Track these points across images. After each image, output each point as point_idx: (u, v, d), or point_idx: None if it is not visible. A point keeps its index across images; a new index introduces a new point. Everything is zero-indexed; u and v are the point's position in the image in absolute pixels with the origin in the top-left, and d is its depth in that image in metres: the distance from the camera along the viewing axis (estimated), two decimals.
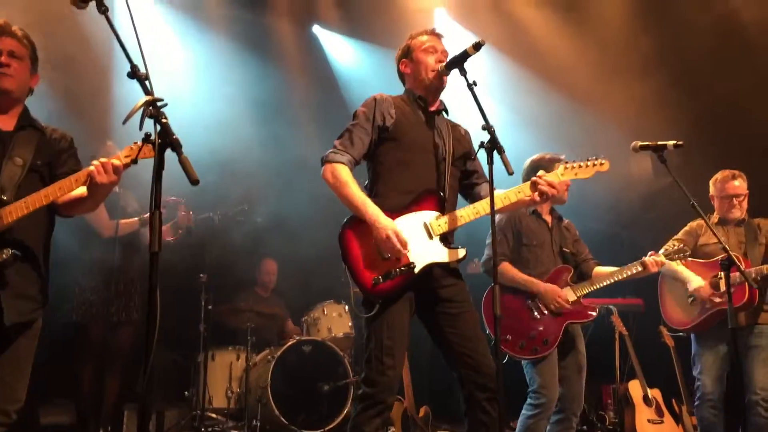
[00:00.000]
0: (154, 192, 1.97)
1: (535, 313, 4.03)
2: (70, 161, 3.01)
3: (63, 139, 3.04)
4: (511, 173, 2.84)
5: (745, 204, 4.57)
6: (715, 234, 3.82)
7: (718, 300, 4.34)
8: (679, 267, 4.47)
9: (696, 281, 4.43)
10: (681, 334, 4.80)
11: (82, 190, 2.80)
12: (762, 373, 4.24)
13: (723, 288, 4.24)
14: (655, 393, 5.63)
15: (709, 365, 4.46)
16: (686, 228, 4.69)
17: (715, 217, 4.65)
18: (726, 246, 3.65)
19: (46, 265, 2.92)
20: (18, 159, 2.81)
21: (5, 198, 2.72)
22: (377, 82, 6.68)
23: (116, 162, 2.71)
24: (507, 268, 4.07)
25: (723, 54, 6.11)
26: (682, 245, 4.23)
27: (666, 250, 4.19)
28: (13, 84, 2.88)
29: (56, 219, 2.99)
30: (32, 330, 2.84)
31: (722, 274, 4.13)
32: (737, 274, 4.19)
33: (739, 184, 4.56)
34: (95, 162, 2.71)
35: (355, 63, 7.70)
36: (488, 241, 4.13)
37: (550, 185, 3.09)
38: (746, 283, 4.19)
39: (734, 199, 4.56)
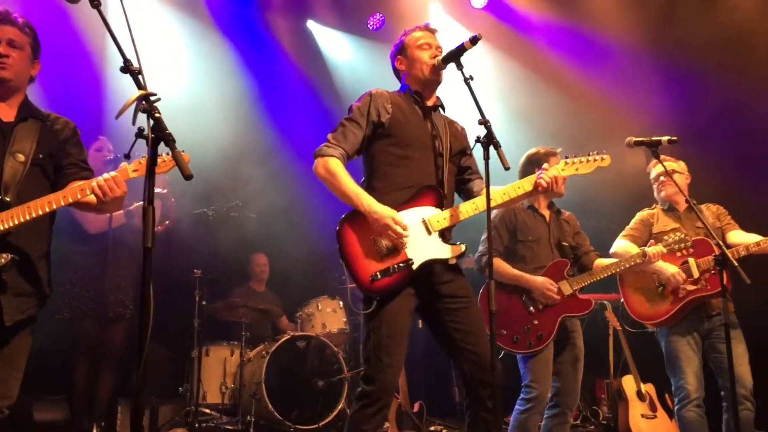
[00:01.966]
0: (147, 187, 1.95)
1: (530, 308, 4.03)
2: (75, 150, 2.98)
3: (66, 127, 2.99)
4: (507, 168, 2.84)
5: (680, 184, 4.22)
6: (702, 221, 3.71)
7: (691, 287, 4.18)
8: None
9: (670, 268, 4.19)
10: (649, 329, 4.47)
11: (91, 197, 2.77)
12: (745, 368, 4.06)
13: (696, 275, 4.17)
14: (648, 388, 5.65)
15: (688, 362, 4.22)
16: (637, 218, 4.56)
17: (661, 204, 4.56)
18: (711, 230, 3.61)
19: (47, 261, 2.90)
20: (19, 155, 2.78)
21: (8, 199, 2.69)
22: (371, 77, 6.69)
23: (117, 177, 2.75)
24: (499, 263, 4.05)
25: (722, 47, 6.10)
26: (683, 235, 4.10)
27: (666, 240, 4.10)
28: (12, 74, 2.84)
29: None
30: (27, 327, 2.83)
31: (692, 260, 4.17)
32: (707, 258, 4.16)
33: (662, 166, 4.15)
34: (101, 181, 2.71)
35: (349, 58, 7.68)
36: (483, 237, 4.12)
37: (554, 179, 3.12)
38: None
39: (655, 181, 4.53)
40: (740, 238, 4.26)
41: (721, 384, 4.20)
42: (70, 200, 2.73)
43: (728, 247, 4.15)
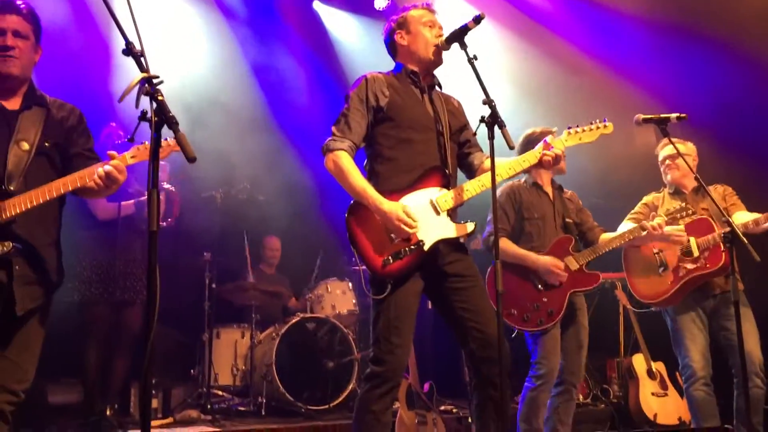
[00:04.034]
0: (151, 171, 1.95)
1: (539, 285, 4.03)
2: (81, 139, 2.96)
3: (72, 114, 2.97)
4: (512, 147, 2.83)
5: (685, 168, 4.27)
6: (712, 199, 3.64)
7: (691, 266, 4.20)
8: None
9: (673, 229, 4.09)
10: (652, 309, 4.53)
11: (91, 184, 2.77)
12: (751, 344, 4.03)
13: (696, 253, 4.18)
14: (658, 366, 5.65)
15: (693, 340, 4.23)
16: (642, 201, 4.58)
17: (669, 188, 4.55)
18: (722, 210, 3.57)
19: (57, 247, 2.90)
20: (24, 143, 2.76)
21: (12, 188, 2.68)
22: (378, 57, 6.63)
23: (119, 165, 2.74)
24: (505, 243, 4.05)
25: (740, 25, 6.00)
26: (685, 204, 4.11)
27: (668, 210, 4.11)
28: (19, 67, 2.82)
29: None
30: (43, 312, 2.84)
31: (693, 239, 4.17)
32: (709, 236, 4.17)
33: (672, 148, 4.17)
34: (101, 171, 2.70)
35: (356, 38, 7.63)
36: (489, 217, 4.11)
37: (556, 152, 3.10)
38: (721, 245, 4.04)
39: (662, 164, 4.51)
40: (743, 218, 4.21)
41: (731, 362, 4.20)
42: (70, 188, 2.73)
43: None
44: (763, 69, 5.84)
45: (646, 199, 4.60)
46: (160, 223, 5.03)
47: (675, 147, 3.96)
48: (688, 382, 4.25)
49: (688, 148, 4.49)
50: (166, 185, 4.98)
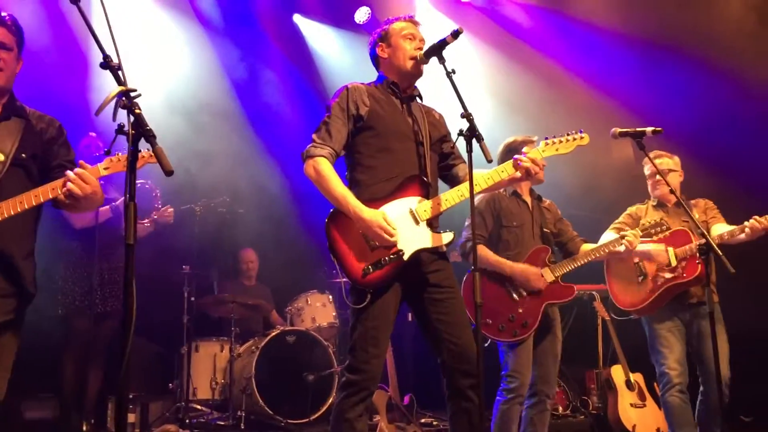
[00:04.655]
0: (128, 183, 1.94)
1: (514, 296, 4.04)
2: (62, 151, 2.93)
3: (51, 126, 2.93)
4: (490, 161, 2.85)
5: (672, 183, 4.32)
6: (689, 215, 3.73)
7: (669, 275, 4.28)
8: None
9: (653, 246, 4.27)
10: (631, 317, 4.60)
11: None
12: (721, 356, 4.02)
13: (674, 263, 4.26)
14: (637, 377, 5.68)
15: (670, 348, 4.31)
16: (626, 212, 4.64)
17: (653, 200, 4.63)
18: (698, 224, 3.60)
19: (32, 259, 2.86)
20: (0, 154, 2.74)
21: None
22: (357, 70, 6.66)
23: (83, 173, 2.67)
24: (482, 249, 4.05)
25: (716, 38, 6.10)
26: (660, 219, 4.18)
27: (644, 225, 4.15)
28: (3, 79, 2.79)
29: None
30: (16, 325, 2.80)
31: (671, 249, 4.27)
32: (686, 247, 4.26)
33: (660, 162, 4.40)
34: (71, 175, 2.65)
35: (336, 51, 7.66)
36: (466, 223, 4.13)
37: (533, 161, 3.10)
38: (696, 257, 4.13)
39: (650, 178, 4.57)
40: (720, 230, 4.31)
41: (699, 371, 4.32)
42: (42, 199, 2.69)
43: None
44: (739, 83, 5.94)
45: (629, 209, 4.66)
46: (144, 223, 5.06)
47: (654, 166, 4.06)
48: (664, 389, 4.32)
49: (674, 162, 4.57)
50: (140, 181, 4.91)
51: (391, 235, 2.92)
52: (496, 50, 7.18)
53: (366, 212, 2.93)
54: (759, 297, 5.53)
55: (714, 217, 4.47)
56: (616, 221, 4.60)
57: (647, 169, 4.63)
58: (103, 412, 5.23)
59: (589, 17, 6.77)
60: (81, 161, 2.77)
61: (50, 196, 2.70)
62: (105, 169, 2.79)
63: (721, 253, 3.45)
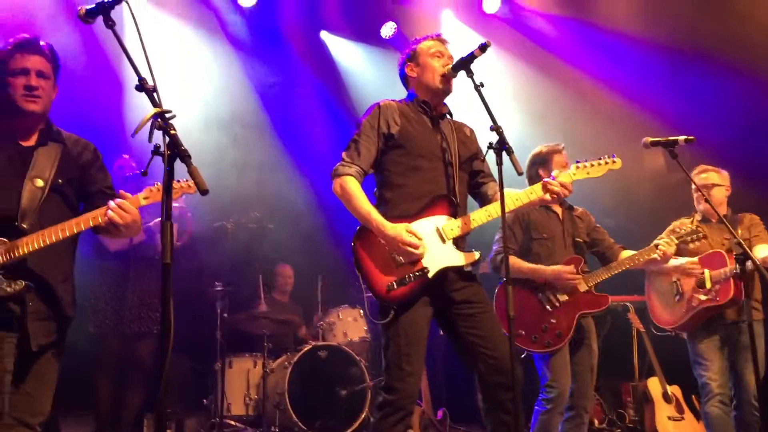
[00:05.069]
0: (164, 203, 1.97)
1: (547, 306, 4.01)
2: (99, 176, 2.97)
3: (86, 150, 2.98)
4: (520, 173, 2.86)
5: (717, 198, 4.43)
6: (732, 232, 3.64)
7: (704, 297, 4.30)
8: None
9: (684, 261, 4.34)
10: (669, 333, 4.72)
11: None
12: (749, 374, 4.14)
13: (709, 285, 4.27)
14: (674, 390, 5.59)
15: (710, 359, 4.34)
16: (669, 227, 4.56)
17: (698, 215, 4.61)
18: (740, 240, 3.58)
19: (71, 282, 2.90)
20: (38, 180, 2.77)
21: (25, 226, 2.69)
22: (384, 86, 6.70)
23: (124, 203, 2.72)
24: (513, 259, 4.03)
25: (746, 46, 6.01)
26: (696, 226, 4.21)
27: (678, 232, 4.12)
28: (41, 107, 2.84)
29: None
30: (57, 346, 2.84)
31: (707, 272, 4.27)
32: (722, 270, 4.24)
33: (706, 177, 4.47)
34: (112, 204, 2.71)
35: (362, 67, 7.71)
36: (496, 237, 4.13)
37: (563, 185, 3.10)
38: (732, 279, 4.17)
39: (696, 192, 4.52)
40: (762, 252, 4.25)
41: (732, 383, 4.33)
42: (83, 227, 2.73)
43: None
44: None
45: (674, 224, 4.61)
46: (176, 242, 5.13)
47: (692, 181, 4.04)
48: (704, 399, 4.36)
49: (720, 177, 4.55)
50: (175, 204, 4.99)
51: (416, 247, 2.93)
52: (523, 62, 7.16)
53: (389, 227, 2.95)
54: None
55: (757, 236, 4.43)
56: (660, 235, 4.55)
57: (695, 184, 4.57)
58: (139, 429, 5.28)
59: (614, 25, 6.72)
60: (121, 191, 2.82)
61: (91, 224, 2.75)
62: (145, 198, 2.83)
63: (765, 271, 3.43)
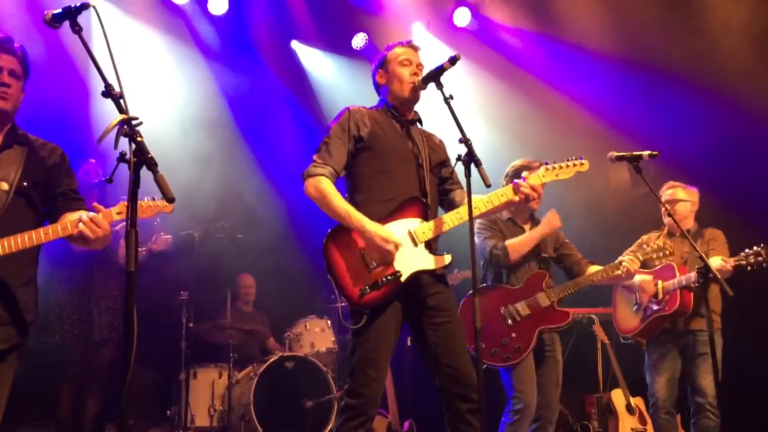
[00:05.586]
0: (129, 211, 1.95)
1: (509, 320, 4.04)
2: (66, 180, 2.94)
3: (53, 153, 2.95)
4: (488, 185, 2.87)
5: (681, 213, 4.63)
6: (693, 245, 3.81)
7: (656, 308, 4.50)
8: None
9: (642, 278, 4.53)
10: (629, 341, 5.00)
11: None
12: (709, 381, 4.32)
13: (660, 296, 4.48)
14: (637, 401, 5.65)
15: (660, 370, 4.58)
16: (638, 241, 4.84)
17: (665, 229, 4.80)
18: (702, 254, 3.72)
19: (33, 286, 2.86)
20: (3, 183, 2.74)
21: None
22: (355, 95, 6.71)
23: (97, 217, 2.70)
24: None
25: (708, 61, 6.13)
26: (663, 244, 4.40)
27: (645, 250, 4.36)
28: (10, 105, 2.83)
29: None
30: (11, 354, 2.78)
31: (660, 282, 4.50)
32: (671, 281, 4.46)
33: (672, 192, 4.71)
34: (84, 218, 2.67)
35: (333, 77, 7.70)
36: (482, 236, 4.19)
37: (533, 188, 3.12)
38: (678, 291, 4.38)
39: (663, 207, 4.63)
40: (713, 263, 4.36)
41: (688, 393, 4.57)
42: (52, 237, 2.70)
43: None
44: (736, 107, 5.97)
45: (642, 238, 4.83)
46: (141, 251, 5.07)
47: (655, 194, 4.08)
48: (651, 410, 4.68)
49: (687, 192, 4.73)
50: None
51: (394, 248, 2.92)
52: (492, 75, 7.22)
53: (369, 224, 2.94)
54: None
55: (713, 249, 4.60)
56: (628, 250, 4.69)
57: (662, 198, 4.73)
58: None
59: (583, 41, 6.81)
60: (95, 204, 2.78)
61: (61, 236, 2.71)
62: (118, 213, 2.79)
63: (720, 278, 3.53)
